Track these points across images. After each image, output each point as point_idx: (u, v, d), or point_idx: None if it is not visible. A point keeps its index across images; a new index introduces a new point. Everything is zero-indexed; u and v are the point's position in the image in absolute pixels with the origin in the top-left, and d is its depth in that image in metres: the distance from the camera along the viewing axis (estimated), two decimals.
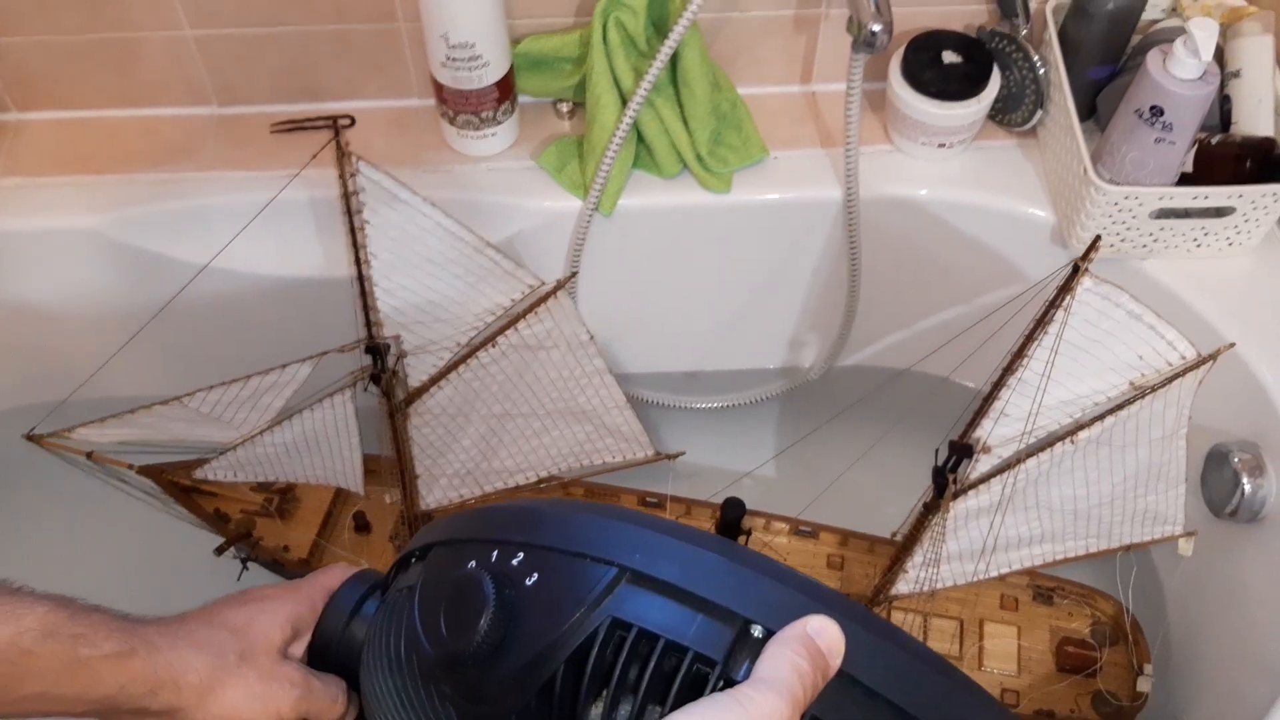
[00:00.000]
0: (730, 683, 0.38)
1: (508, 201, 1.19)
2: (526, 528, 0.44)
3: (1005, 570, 1.15)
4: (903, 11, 1.13)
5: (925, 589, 1.16)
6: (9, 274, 1.22)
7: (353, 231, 1.00)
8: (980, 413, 0.98)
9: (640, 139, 1.17)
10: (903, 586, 1.17)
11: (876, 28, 0.99)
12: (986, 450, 0.99)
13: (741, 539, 1.13)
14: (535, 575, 0.42)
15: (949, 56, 1.15)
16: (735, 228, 1.22)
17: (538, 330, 1.11)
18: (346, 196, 0.98)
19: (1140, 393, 0.96)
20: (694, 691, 0.39)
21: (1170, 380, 0.95)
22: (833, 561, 1.27)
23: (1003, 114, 1.20)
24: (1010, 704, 1.18)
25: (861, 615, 0.40)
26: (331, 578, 0.62)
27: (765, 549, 1.27)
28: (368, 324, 1.07)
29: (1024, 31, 1.14)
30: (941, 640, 1.22)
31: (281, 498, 1.30)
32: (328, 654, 0.60)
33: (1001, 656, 1.22)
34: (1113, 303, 0.91)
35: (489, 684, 0.42)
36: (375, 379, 1.11)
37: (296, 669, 0.59)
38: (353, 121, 1.24)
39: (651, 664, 0.39)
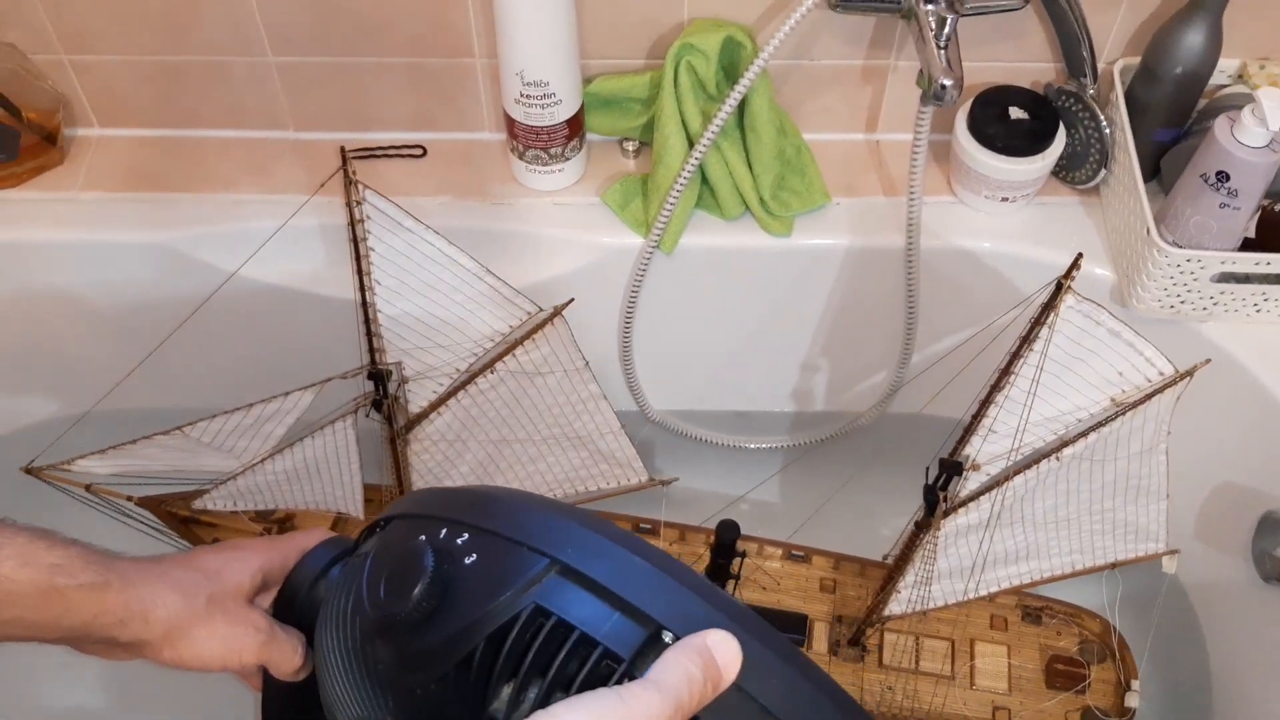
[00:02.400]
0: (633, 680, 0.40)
1: (571, 236, 1.19)
2: (478, 511, 0.46)
3: (995, 589, 1.16)
4: (970, 66, 1.14)
5: (917, 608, 1.16)
6: (82, 285, 1.23)
7: (358, 258, 1.00)
8: (969, 430, 0.99)
9: (704, 180, 1.17)
10: (895, 607, 1.17)
11: (947, 82, 1.00)
12: (976, 468, 1.01)
13: (736, 562, 1.15)
14: (475, 555, 0.44)
15: (1015, 112, 1.14)
16: (794, 272, 1.21)
17: (534, 356, 1.11)
18: (353, 224, 0.98)
19: (1121, 409, 0.97)
20: (599, 685, 0.41)
21: (1149, 396, 0.96)
22: (825, 585, 1.27)
23: (1066, 171, 1.19)
24: None
25: (768, 636, 0.42)
26: (308, 539, 0.63)
27: (758, 573, 1.27)
28: (371, 350, 1.06)
29: (1091, 91, 1.14)
30: (934, 660, 1.23)
31: (280, 527, 1.29)
32: (291, 610, 0.61)
33: (993, 675, 1.23)
34: (1094, 320, 0.92)
35: (416, 652, 0.44)
36: (377, 405, 1.10)
37: (262, 616, 0.60)
38: (424, 152, 1.28)
39: (562, 653, 0.41)
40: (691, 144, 1.12)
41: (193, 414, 1.10)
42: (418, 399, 1.12)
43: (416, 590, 0.43)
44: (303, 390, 1.08)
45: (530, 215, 1.21)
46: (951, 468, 1.01)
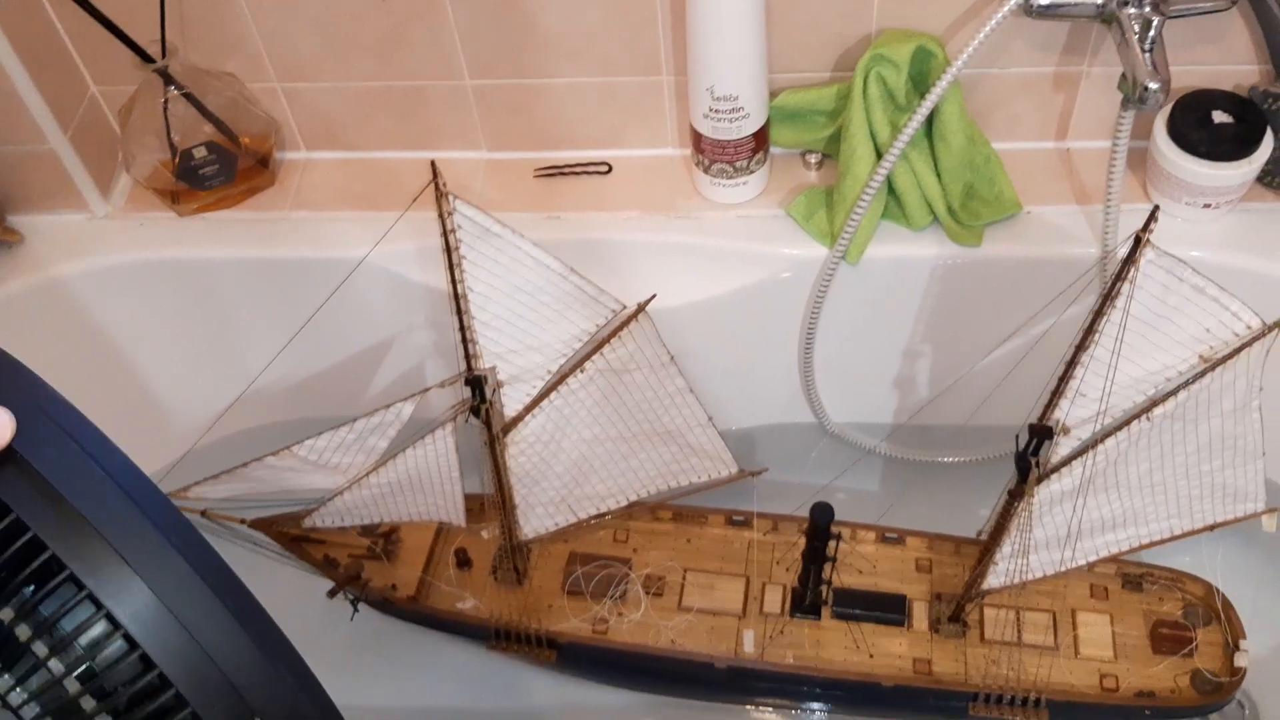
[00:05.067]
0: None
1: (755, 248, 1.19)
2: None
3: (1093, 558, 1.12)
4: (1170, 69, 1.11)
5: (1016, 580, 1.13)
6: (298, 298, 1.27)
7: (451, 267, 1.01)
8: (1056, 393, 0.96)
9: (890, 190, 1.15)
10: (993, 580, 1.13)
11: (1153, 86, 0.97)
12: (1065, 432, 0.98)
13: (831, 545, 1.14)
14: None
15: (1219, 116, 1.08)
16: (983, 283, 1.18)
17: (621, 354, 1.10)
18: (445, 235, 0.99)
19: (1210, 365, 0.93)
20: None
21: (1238, 351, 0.93)
22: (921, 565, 1.25)
23: (1272, 176, 1.13)
24: (1110, 688, 1.16)
25: (79, 431, 0.47)
26: None
27: (853, 557, 1.25)
28: (467, 357, 1.06)
29: None
30: (1036, 632, 1.19)
31: (386, 540, 1.30)
32: None
33: (1097, 644, 1.19)
34: (1176, 276, 0.89)
35: None
36: (475, 411, 1.10)
37: None
38: (609, 168, 1.31)
39: None
40: (879, 154, 1.11)
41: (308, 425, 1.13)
42: (512, 403, 1.13)
43: None
44: (404, 401, 1.09)
45: (715, 228, 1.21)
46: (1042, 433, 0.98)
